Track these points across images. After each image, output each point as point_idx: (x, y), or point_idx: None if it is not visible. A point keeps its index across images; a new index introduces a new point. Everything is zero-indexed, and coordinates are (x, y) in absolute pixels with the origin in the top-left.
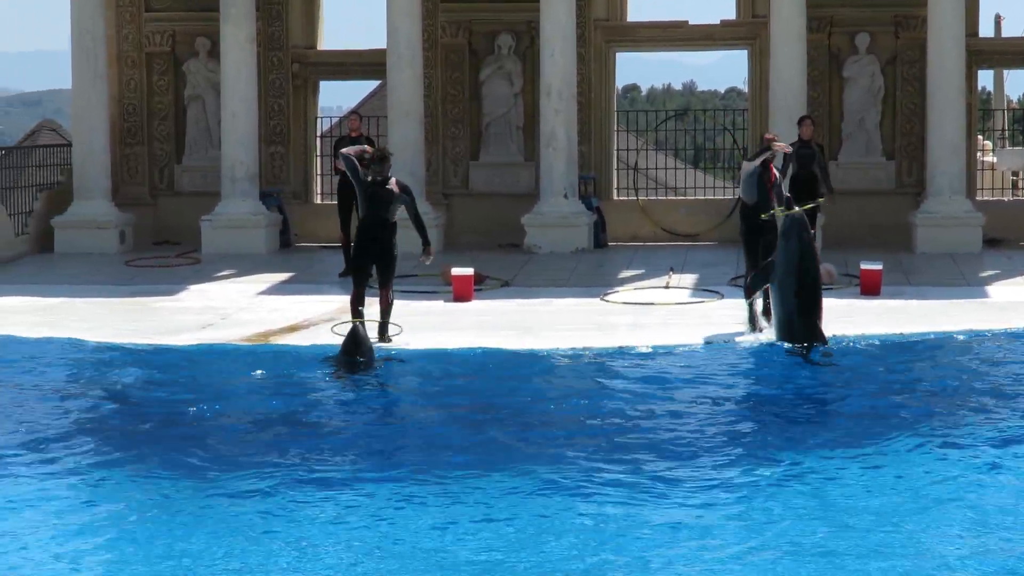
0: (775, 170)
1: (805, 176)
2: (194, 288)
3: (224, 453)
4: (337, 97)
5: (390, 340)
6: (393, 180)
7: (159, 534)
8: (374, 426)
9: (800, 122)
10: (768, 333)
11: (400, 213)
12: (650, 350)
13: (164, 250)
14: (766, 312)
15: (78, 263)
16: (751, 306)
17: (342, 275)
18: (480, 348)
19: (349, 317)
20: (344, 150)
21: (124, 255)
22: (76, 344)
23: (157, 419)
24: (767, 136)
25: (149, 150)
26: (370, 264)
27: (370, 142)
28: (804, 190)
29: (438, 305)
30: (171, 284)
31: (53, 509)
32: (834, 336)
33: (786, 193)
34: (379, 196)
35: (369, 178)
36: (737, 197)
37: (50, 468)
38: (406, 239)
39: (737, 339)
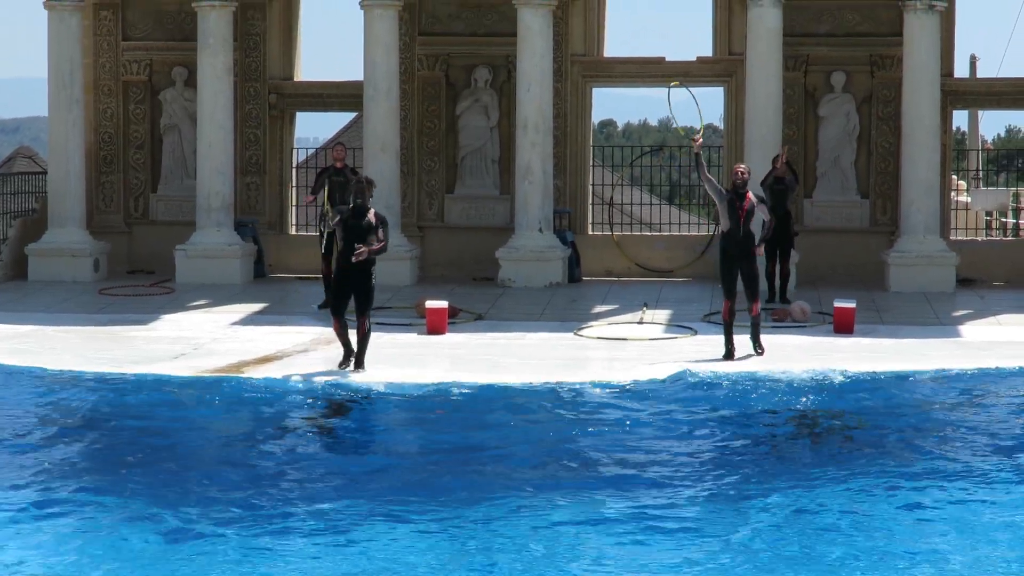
0: (752, 197)
1: (779, 213)
2: (168, 318)
3: (193, 486)
4: (313, 128)
5: (365, 369)
6: (372, 212)
7: (128, 567)
8: (347, 459)
9: (774, 160)
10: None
11: None
12: (623, 385)
13: (138, 279)
14: (756, 338)
15: (52, 291)
16: (727, 329)
17: (322, 307)
18: (453, 382)
19: (324, 348)
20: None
21: (98, 283)
22: (45, 373)
23: (126, 449)
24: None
25: (125, 179)
26: (350, 294)
27: (353, 172)
28: (777, 227)
29: (412, 337)
30: (145, 313)
31: (18, 536)
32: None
33: (764, 218)
34: (358, 227)
35: (343, 215)
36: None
37: (15, 497)
38: (382, 271)
39: (712, 368)
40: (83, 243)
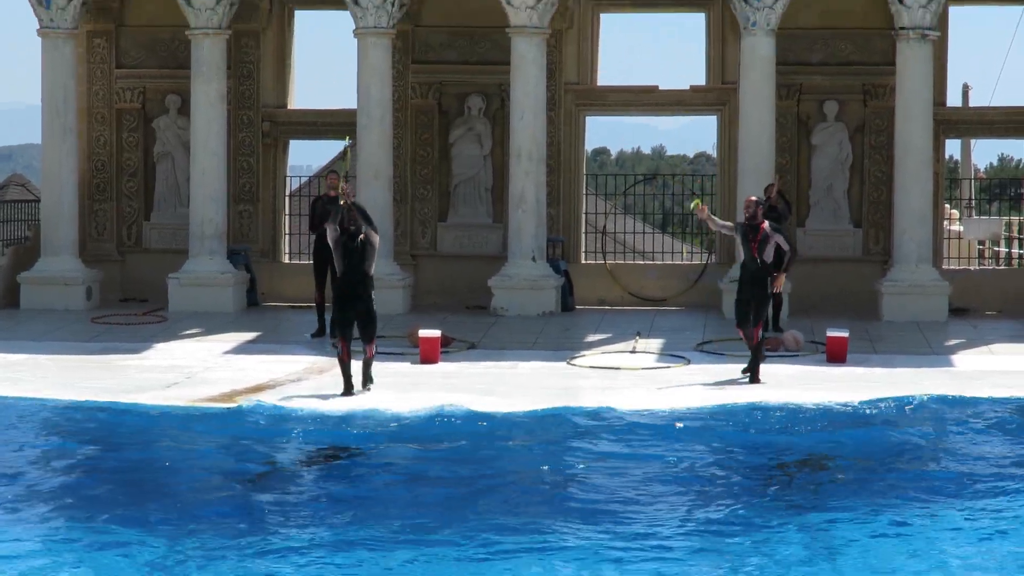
0: (767, 227)
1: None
2: (160, 346)
3: (187, 515)
4: (307, 156)
5: (373, 382)
6: (364, 231)
7: None
8: (341, 488)
9: (767, 190)
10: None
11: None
12: (615, 414)
13: (131, 307)
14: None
15: (44, 319)
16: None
17: (315, 335)
18: (446, 410)
19: (317, 377)
20: (330, 238)
21: (91, 312)
22: (37, 402)
23: (118, 480)
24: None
25: (118, 206)
26: (353, 319)
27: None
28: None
29: (404, 367)
30: (137, 342)
31: (11, 567)
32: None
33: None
34: (354, 250)
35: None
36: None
37: (4, 527)
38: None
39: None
40: (76, 271)
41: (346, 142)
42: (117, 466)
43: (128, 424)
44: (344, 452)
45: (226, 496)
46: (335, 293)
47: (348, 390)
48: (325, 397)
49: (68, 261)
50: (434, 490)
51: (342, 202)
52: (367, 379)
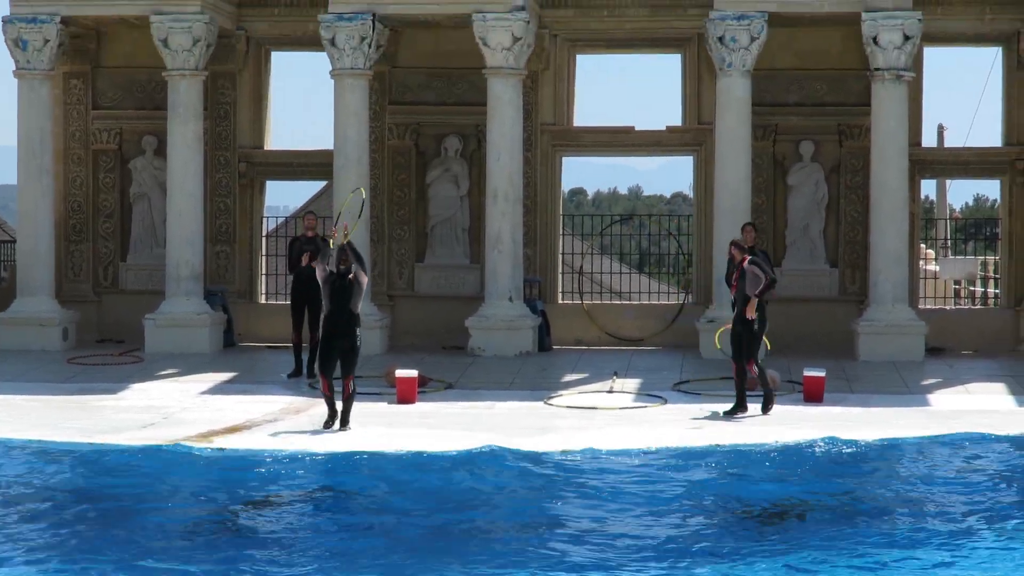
0: (746, 262)
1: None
2: (136, 387)
3: (163, 557)
4: (283, 197)
5: (350, 427)
6: (353, 270)
7: None
8: (318, 528)
9: (742, 229)
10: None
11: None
12: (592, 454)
13: (107, 348)
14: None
15: (20, 360)
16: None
17: (292, 375)
18: (419, 451)
19: (293, 417)
20: (319, 276)
21: (67, 352)
22: (12, 443)
23: (93, 521)
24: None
25: (94, 247)
26: (337, 357)
27: (323, 240)
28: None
29: (381, 407)
30: (114, 382)
31: None
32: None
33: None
34: (343, 288)
35: (332, 269)
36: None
37: None
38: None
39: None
40: (52, 312)
41: (360, 196)
42: (92, 507)
43: (104, 464)
44: (318, 492)
45: (202, 537)
46: (322, 331)
47: (333, 417)
48: (304, 432)
49: (44, 302)
50: (414, 531)
51: (331, 243)
52: (345, 421)
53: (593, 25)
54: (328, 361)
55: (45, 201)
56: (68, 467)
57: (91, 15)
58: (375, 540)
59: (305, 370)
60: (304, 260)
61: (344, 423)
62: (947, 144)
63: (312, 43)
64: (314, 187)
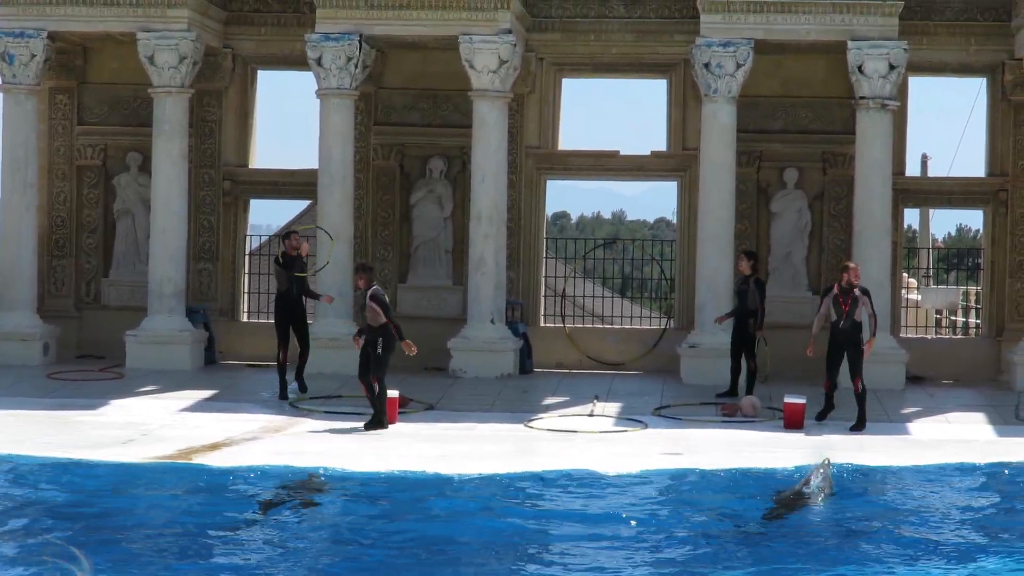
0: (857, 292)
1: (740, 310)
2: (116, 403)
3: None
4: (268, 215)
5: (386, 427)
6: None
7: None
8: (298, 546)
9: (741, 256)
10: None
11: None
12: (571, 477)
13: (88, 364)
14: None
15: (0, 374)
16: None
17: (281, 397)
18: (397, 472)
19: (272, 436)
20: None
21: (47, 368)
22: None
23: (71, 538)
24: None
25: (77, 263)
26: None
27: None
28: (739, 324)
29: (360, 426)
30: (94, 398)
31: None
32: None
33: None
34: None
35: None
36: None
37: None
38: (332, 360)
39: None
40: (33, 327)
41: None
42: (69, 524)
43: (82, 481)
44: (293, 510)
45: (182, 556)
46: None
47: (382, 424)
48: (282, 450)
49: (25, 317)
50: (397, 553)
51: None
52: (380, 420)
53: (579, 49)
54: (363, 367)
55: (28, 216)
56: (45, 482)
57: (78, 31)
58: (350, 561)
59: (285, 394)
60: (326, 300)
61: (379, 423)
62: (931, 174)
63: (298, 62)
64: (298, 206)
